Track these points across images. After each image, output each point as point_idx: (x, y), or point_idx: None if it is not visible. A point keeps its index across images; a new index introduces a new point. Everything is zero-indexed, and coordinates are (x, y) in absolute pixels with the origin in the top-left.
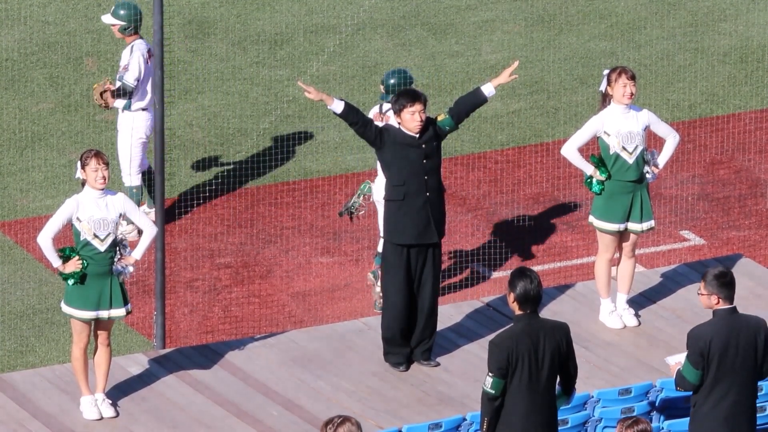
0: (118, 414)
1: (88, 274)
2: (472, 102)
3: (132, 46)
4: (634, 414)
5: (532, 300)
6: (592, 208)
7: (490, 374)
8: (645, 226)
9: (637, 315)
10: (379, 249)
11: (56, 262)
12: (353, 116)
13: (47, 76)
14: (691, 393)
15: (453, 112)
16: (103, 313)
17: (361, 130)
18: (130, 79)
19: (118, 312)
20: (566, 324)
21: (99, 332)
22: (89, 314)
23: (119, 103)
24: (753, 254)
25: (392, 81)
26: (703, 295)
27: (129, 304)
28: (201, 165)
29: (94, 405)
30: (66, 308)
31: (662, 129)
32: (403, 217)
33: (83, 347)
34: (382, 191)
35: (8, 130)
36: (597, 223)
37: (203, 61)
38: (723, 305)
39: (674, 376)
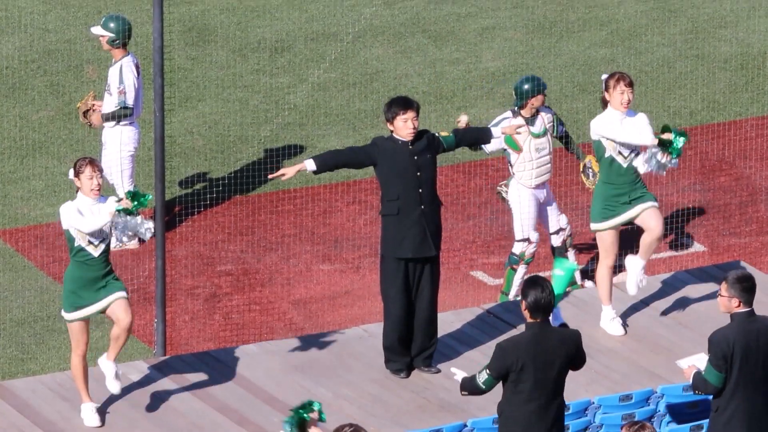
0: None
1: (85, 279)
2: (478, 135)
3: (121, 66)
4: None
5: (543, 309)
6: (592, 216)
7: (487, 371)
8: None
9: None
10: (514, 250)
11: (108, 209)
12: (337, 162)
13: (48, 84)
14: (710, 396)
15: (458, 134)
16: (104, 302)
17: (357, 164)
18: (129, 101)
19: (121, 294)
20: (578, 331)
21: (115, 313)
22: (88, 310)
23: (109, 124)
24: (753, 261)
25: (526, 87)
26: (723, 297)
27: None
28: (201, 173)
29: (94, 412)
30: (65, 314)
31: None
32: (399, 232)
33: (82, 354)
34: (515, 191)
35: (9, 138)
36: (597, 226)
37: (203, 69)
38: (742, 309)
39: (690, 380)
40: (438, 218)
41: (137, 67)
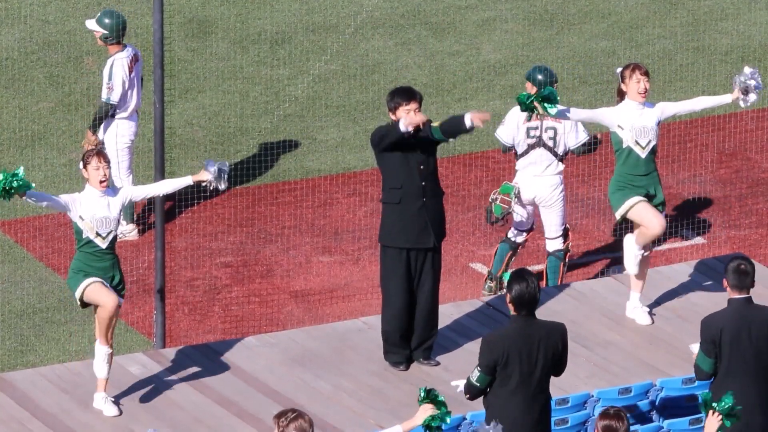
0: (121, 413)
1: (94, 270)
2: (457, 125)
3: (113, 62)
4: (635, 413)
5: (527, 303)
6: (613, 206)
7: (478, 368)
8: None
9: (651, 313)
10: (558, 247)
11: None
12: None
13: (47, 75)
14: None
15: (442, 127)
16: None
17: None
18: (115, 98)
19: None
20: (563, 324)
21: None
22: (96, 279)
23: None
24: (753, 253)
25: (540, 77)
26: (724, 278)
27: (122, 298)
28: (201, 164)
29: (106, 361)
30: (78, 289)
31: (680, 104)
32: (399, 221)
33: (109, 311)
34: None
35: (8, 129)
36: (622, 209)
37: (203, 60)
38: (734, 294)
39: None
40: (440, 208)
41: (133, 60)
